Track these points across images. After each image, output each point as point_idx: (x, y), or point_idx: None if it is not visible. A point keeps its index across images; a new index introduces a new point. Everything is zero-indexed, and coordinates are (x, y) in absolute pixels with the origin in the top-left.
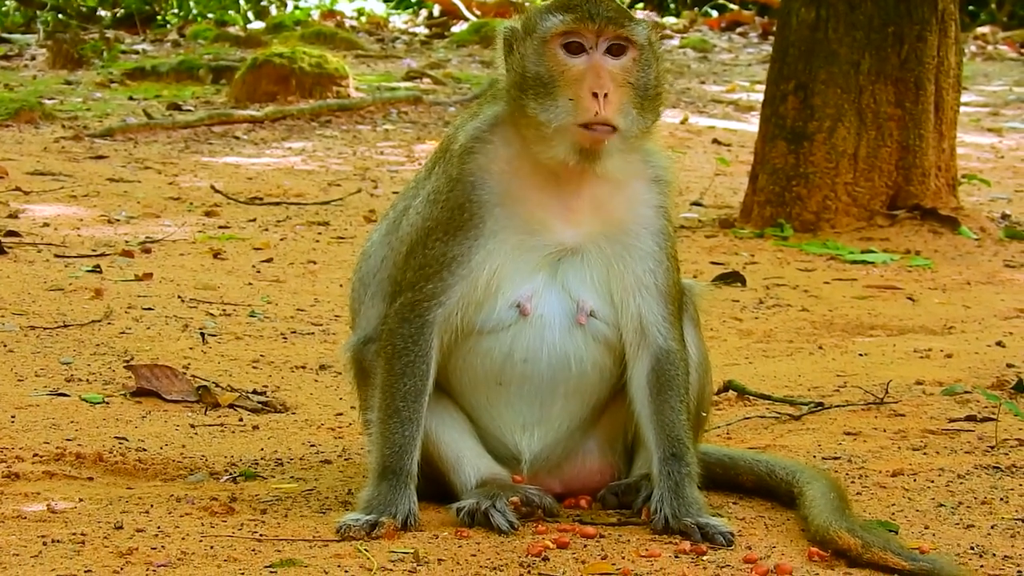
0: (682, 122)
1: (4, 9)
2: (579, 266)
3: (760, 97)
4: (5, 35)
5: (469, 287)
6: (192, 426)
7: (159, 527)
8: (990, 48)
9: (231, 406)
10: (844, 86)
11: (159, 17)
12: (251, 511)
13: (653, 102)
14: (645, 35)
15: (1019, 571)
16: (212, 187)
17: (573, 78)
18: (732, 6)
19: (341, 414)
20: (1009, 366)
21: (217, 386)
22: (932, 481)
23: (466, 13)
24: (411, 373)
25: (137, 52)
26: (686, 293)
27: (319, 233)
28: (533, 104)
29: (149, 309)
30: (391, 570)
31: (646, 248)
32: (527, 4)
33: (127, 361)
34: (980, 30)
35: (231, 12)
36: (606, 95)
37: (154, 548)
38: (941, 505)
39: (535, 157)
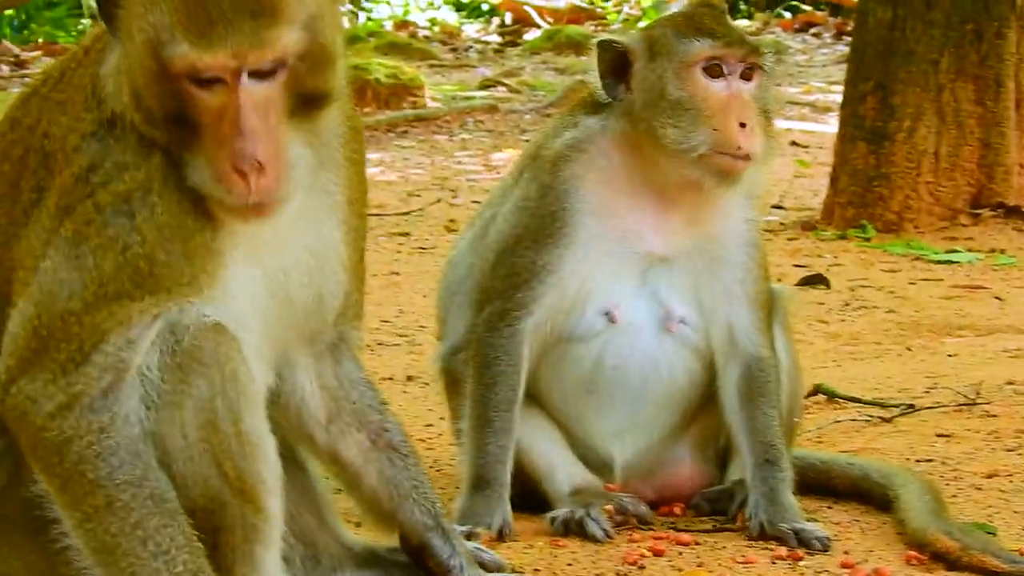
0: None
1: None
2: (668, 274)
3: (836, 98)
4: None
5: (559, 295)
6: None
7: None
8: None
9: None
10: (923, 85)
11: None
12: (346, 524)
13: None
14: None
15: None
16: None
17: (717, 106)
18: (805, 7)
19: (430, 425)
20: None
21: None
22: None
23: (538, 20)
24: (502, 383)
25: None
26: (775, 299)
27: (400, 244)
28: (671, 130)
29: None
30: None
31: (736, 259)
32: (598, 9)
33: None
34: None
35: None
36: (749, 125)
37: None
38: None
39: (642, 170)
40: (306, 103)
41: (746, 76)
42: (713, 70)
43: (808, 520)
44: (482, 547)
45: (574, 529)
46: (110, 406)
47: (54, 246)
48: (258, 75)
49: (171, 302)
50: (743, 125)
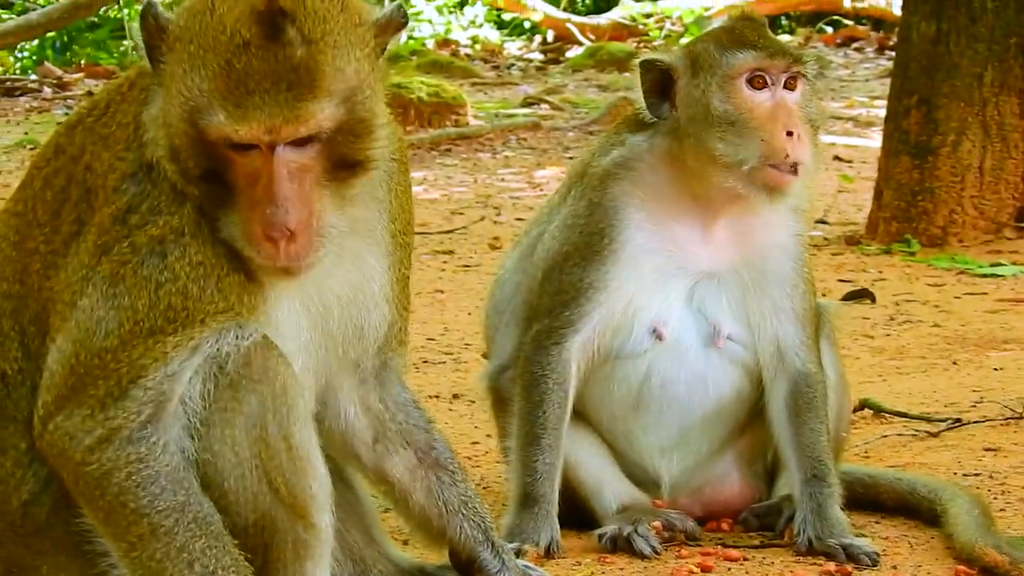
0: None
1: None
2: (715, 290)
3: (880, 112)
4: None
5: (606, 313)
6: None
7: None
8: None
9: None
10: (967, 99)
11: None
12: (393, 542)
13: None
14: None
15: None
16: None
17: (763, 117)
18: (847, 22)
19: (477, 443)
20: None
21: None
22: None
23: (580, 38)
24: (549, 400)
25: None
26: (822, 314)
27: (445, 262)
28: (719, 144)
29: None
30: None
31: (783, 273)
32: (640, 26)
33: None
34: None
35: None
36: (797, 134)
37: None
38: None
39: (689, 186)
40: (344, 168)
41: (789, 86)
42: (757, 82)
43: (856, 535)
44: (530, 564)
45: (622, 546)
46: (148, 436)
47: (92, 284)
48: (294, 143)
49: (208, 332)
50: (790, 134)
